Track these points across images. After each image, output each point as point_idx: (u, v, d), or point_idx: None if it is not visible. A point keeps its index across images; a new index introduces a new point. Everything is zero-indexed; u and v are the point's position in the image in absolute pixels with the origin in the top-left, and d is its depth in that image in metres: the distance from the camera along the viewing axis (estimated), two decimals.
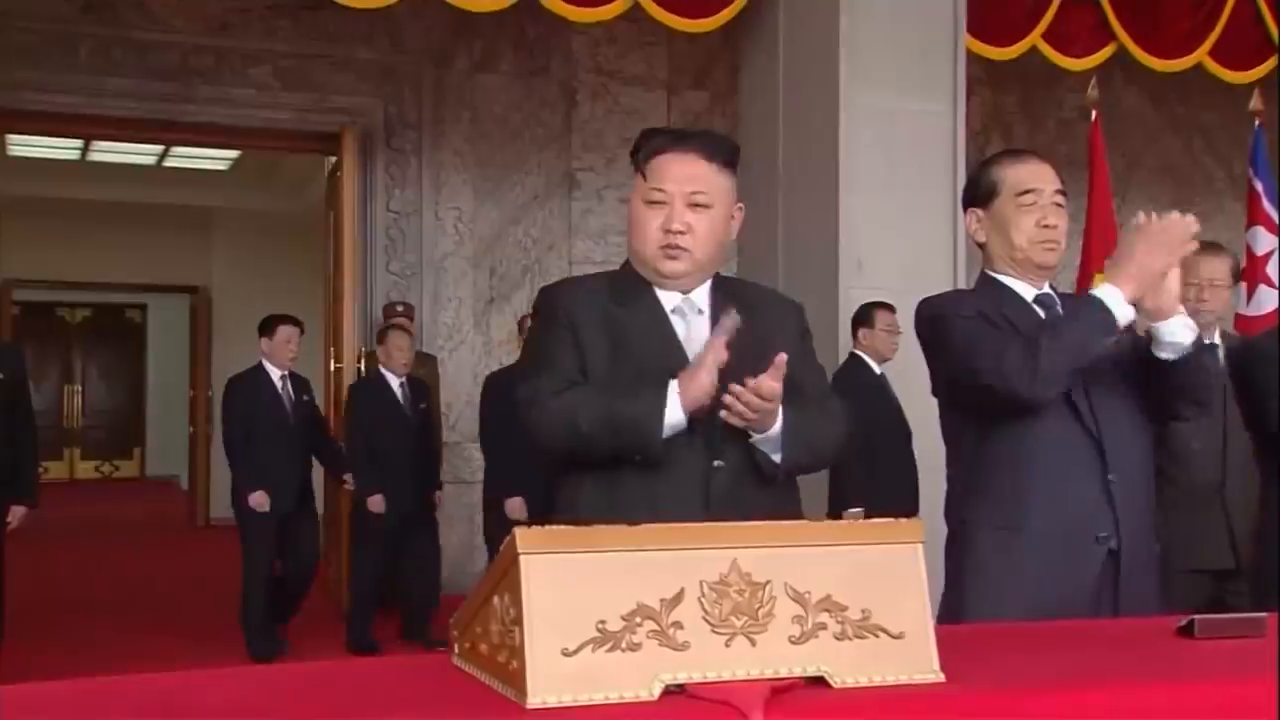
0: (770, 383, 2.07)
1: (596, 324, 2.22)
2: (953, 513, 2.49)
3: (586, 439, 2.14)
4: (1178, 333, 2.32)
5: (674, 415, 2.11)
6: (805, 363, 2.22)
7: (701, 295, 2.29)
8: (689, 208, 2.21)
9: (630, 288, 2.28)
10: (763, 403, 2.08)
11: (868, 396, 5.12)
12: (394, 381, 6.13)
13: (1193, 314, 3.77)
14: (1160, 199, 8.42)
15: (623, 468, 2.15)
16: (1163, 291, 2.29)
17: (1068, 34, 6.01)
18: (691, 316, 2.27)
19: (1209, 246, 3.87)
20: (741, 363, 2.12)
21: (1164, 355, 2.34)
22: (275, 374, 5.98)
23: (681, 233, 2.20)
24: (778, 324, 2.29)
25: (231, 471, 5.94)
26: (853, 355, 5.25)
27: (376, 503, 5.92)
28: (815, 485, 4.80)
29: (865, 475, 4.93)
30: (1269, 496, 3.14)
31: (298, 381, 6.11)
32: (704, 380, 2.10)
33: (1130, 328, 2.36)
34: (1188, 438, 3.67)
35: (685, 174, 2.22)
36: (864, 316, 5.24)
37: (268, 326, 6.05)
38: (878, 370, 5.26)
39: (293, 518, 5.91)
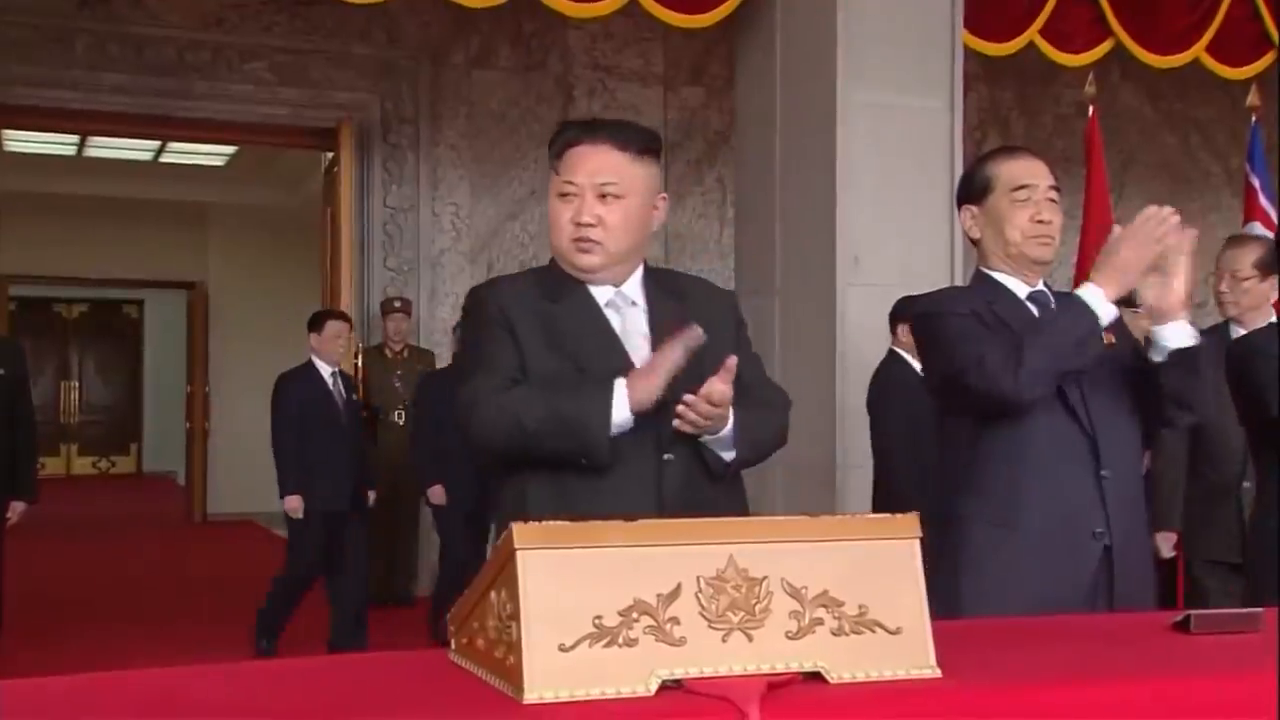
0: (721, 387, 2.05)
1: (531, 320, 2.19)
2: (949, 509, 2.49)
3: (533, 437, 2.10)
4: (1174, 337, 2.30)
5: (620, 414, 2.08)
6: (742, 353, 2.20)
7: (634, 287, 2.26)
8: (599, 199, 2.17)
9: (561, 284, 2.24)
10: (714, 409, 2.07)
11: (909, 394, 4.95)
12: None
13: (1215, 305, 3.85)
14: (1157, 195, 8.41)
15: (571, 464, 2.12)
16: (1167, 292, 2.27)
17: (1065, 30, 6.00)
18: (626, 309, 2.24)
19: (1235, 239, 3.95)
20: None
21: (1155, 358, 2.32)
22: (326, 370, 5.83)
23: (591, 225, 2.17)
24: (712, 314, 2.25)
25: (279, 473, 5.72)
26: (891, 352, 5.03)
27: (437, 494, 5.92)
28: (858, 483, 4.77)
29: (911, 473, 4.83)
30: (1266, 492, 3.14)
31: (346, 379, 6.00)
32: (657, 384, 2.07)
33: (1115, 328, 2.36)
34: (1227, 435, 3.70)
35: (595, 165, 2.18)
36: (902, 312, 4.91)
37: (316, 322, 5.90)
38: (918, 367, 5.09)
39: (343, 519, 5.72)
